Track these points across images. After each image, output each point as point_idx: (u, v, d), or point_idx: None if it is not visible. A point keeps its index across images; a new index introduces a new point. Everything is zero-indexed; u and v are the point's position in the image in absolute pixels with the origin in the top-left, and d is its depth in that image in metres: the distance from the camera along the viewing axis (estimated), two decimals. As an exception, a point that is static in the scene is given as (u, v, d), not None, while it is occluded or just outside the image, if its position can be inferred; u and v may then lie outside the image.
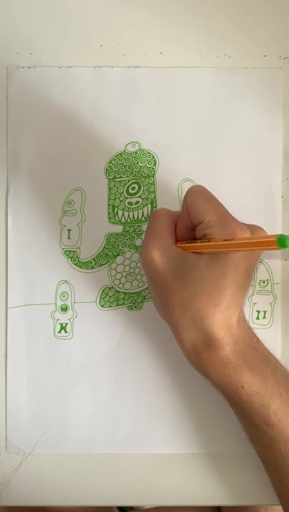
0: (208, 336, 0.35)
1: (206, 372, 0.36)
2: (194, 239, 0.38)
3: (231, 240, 0.34)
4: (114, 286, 0.43)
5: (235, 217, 0.37)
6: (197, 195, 0.37)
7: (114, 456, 0.43)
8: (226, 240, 0.34)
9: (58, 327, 0.43)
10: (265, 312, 0.43)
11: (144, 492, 0.43)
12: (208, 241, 0.35)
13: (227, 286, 0.35)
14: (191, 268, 0.35)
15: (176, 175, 0.43)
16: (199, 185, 0.38)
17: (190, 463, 0.43)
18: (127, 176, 0.43)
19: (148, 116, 0.43)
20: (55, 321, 0.43)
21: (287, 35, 0.44)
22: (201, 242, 0.36)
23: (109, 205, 0.43)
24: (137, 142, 0.43)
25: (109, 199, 0.43)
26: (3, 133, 0.43)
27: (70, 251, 0.43)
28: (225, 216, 0.36)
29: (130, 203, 0.43)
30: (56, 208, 0.43)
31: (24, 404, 0.43)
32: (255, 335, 0.38)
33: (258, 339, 0.37)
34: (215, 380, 0.36)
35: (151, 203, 0.43)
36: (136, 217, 0.43)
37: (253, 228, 0.37)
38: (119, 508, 0.70)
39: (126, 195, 0.43)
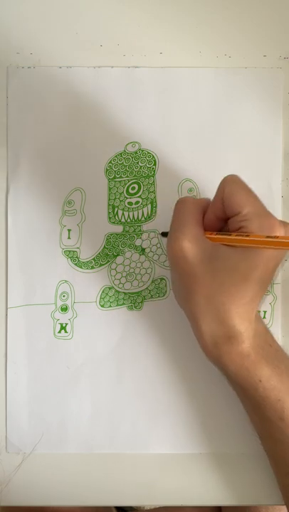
0: (230, 328, 0.35)
1: (223, 364, 0.36)
2: (222, 229, 0.37)
3: (276, 237, 0.33)
4: (114, 286, 0.43)
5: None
6: (235, 185, 0.36)
7: (114, 456, 0.43)
8: (269, 237, 0.33)
9: (58, 327, 0.43)
10: (265, 312, 0.43)
11: (144, 492, 0.43)
12: (247, 236, 0.34)
13: (255, 281, 0.35)
14: (223, 260, 0.35)
15: (176, 175, 0.43)
16: (236, 175, 0.37)
17: (190, 463, 0.43)
18: (127, 176, 0.43)
19: (148, 116, 0.43)
20: (55, 321, 0.43)
21: (287, 35, 0.44)
22: (237, 235, 0.35)
23: (109, 205, 0.43)
24: (137, 142, 0.43)
25: (109, 199, 0.43)
26: (3, 133, 0.43)
27: (70, 251, 0.43)
28: (262, 210, 0.35)
29: (130, 203, 0.43)
30: (56, 208, 0.43)
31: (24, 404, 0.43)
32: (269, 331, 0.38)
33: (272, 335, 0.38)
34: (232, 373, 0.36)
35: (151, 203, 0.43)
36: (136, 217, 0.43)
37: (285, 225, 0.36)
38: (119, 508, 0.70)
39: (126, 195, 0.43)
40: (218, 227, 0.38)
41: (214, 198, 0.37)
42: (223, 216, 0.37)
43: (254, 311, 0.36)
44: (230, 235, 0.36)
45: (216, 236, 0.37)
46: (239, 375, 0.36)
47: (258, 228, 0.34)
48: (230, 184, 0.36)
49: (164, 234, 0.42)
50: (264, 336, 0.37)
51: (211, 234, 0.37)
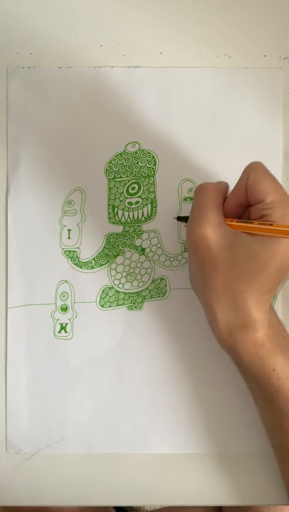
0: (247, 316, 0.35)
1: (237, 353, 0.36)
2: (241, 216, 0.37)
3: None
4: (114, 286, 0.43)
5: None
6: (260, 172, 0.36)
7: (114, 456, 0.43)
8: None
9: (58, 327, 0.43)
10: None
11: (144, 492, 0.43)
12: (270, 224, 0.34)
13: (273, 270, 0.35)
14: (243, 248, 0.35)
15: (176, 175, 0.43)
16: (260, 162, 0.36)
17: (190, 463, 0.43)
18: (127, 176, 0.43)
19: (148, 116, 0.43)
20: (55, 321, 0.43)
21: (287, 35, 0.44)
22: (259, 223, 0.35)
23: (109, 205, 0.43)
24: (137, 142, 0.43)
25: (109, 199, 0.43)
26: (3, 133, 0.43)
27: (70, 251, 0.43)
28: (287, 199, 0.35)
29: (130, 203, 0.43)
30: (56, 208, 0.43)
31: (24, 404, 0.43)
32: (281, 322, 0.38)
33: (284, 327, 0.38)
34: (246, 362, 0.36)
35: (151, 203, 0.43)
36: (136, 217, 0.43)
37: None
38: (119, 508, 0.70)
39: (126, 195, 0.43)
40: (239, 213, 0.38)
41: (237, 184, 0.37)
42: (244, 203, 0.37)
43: (269, 301, 0.36)
44: (252, 223, 0.35)
45: (237, 224, 0.36)
46: (253, 365, 0.36)
47: (281, 217, 0.34)
48: (255, 171, 0.36)
49: (180, 218, 0.42)
50: (277, 326, 0.37)
51: (231, 221, 0.37)
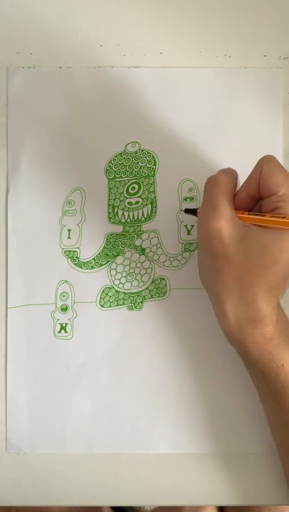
0: (256, 311, 0.35)
1: (246, 347, 0.36)
2: (252, 209, 0.37)
3: None
4: (114, 286, 0.43)
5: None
6: (273, 165, 0.36)
7: (114, 456, 0.43)
8: None
9: (58, 327, 0.43)
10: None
11: (144, 492, 0.43)
12: (283, 217, 0.34)
13: (284, 263, 0.35)
14: (255, 241, 0.35)
15: (176, 175, 0.43)
16: (272, 156, 0.37)
17: (190, 463, 0.43)
18: (127, 176, 0.43)
19: (148, 116, 0.43)
20: (55, 321, 0.43)
21: (287, 35, 0.44)
22: (272, 216, 0.35)
23: (109, 205, 0.43)
24: (137, 142, 0.43)
25: (109, 199, 0.43)
26: (3, 133, 0.43)
27: (70, 251, 0.43)
28: None
29: (130, 203, 0.43)
30: (56, 208, 0.43)
31: (24, 404, 0.43)
32: (288, 319, 0.38)
33: None
34: (254, 357, 0.36)
35: (151, 203, 0.43)
36: (136, 217, 0.43)
37: None
38: (118, 508, 0.70)
39: (126, 195, 0.43)
40: (249, 206, 0.38)
41: (249, 177, 0.37)
42: (256, 196, 0.37)
43: (278, 296, 0.36)
44: (264, 215, 0.35)
45: (249, 216, 0.36)
46: (261, 360, 0.36)
47: None
48: (268, 164, 0.36)
49: (188, 211, 0.42)
50: (285, 322, 0.37)
51: (243, 213, 0.36)
